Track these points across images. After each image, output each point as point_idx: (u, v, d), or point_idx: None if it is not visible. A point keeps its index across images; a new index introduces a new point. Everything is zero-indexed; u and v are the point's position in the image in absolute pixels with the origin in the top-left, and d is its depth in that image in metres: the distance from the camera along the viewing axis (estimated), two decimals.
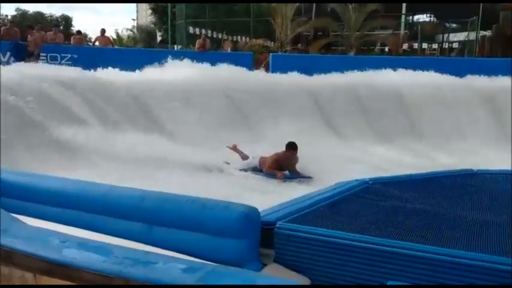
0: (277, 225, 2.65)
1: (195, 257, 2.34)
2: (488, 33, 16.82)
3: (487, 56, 15.09)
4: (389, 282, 2.15)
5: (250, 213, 2.56)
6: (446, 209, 3.28)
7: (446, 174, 4.42)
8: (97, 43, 15.58)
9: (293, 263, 2.59)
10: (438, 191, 3.77)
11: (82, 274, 1.81)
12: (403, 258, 2.36)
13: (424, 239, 2.54)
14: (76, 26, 36.81)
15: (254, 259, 2.56)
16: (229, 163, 7.44)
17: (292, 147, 6.77)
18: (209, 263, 2.08)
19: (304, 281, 2.49)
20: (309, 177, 6.75)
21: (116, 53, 15.21)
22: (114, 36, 32.69)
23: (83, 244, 2.12)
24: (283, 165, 6.88)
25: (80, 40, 15.19)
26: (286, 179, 6.72)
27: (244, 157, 7.37)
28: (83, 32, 17.30)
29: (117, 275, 1.77)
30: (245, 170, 7.06)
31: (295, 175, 6.85)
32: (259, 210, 2.71)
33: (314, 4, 20.48)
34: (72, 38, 15.47)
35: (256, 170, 7.04)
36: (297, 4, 20.43)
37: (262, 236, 2.62)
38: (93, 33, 29.84)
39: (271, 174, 6.76)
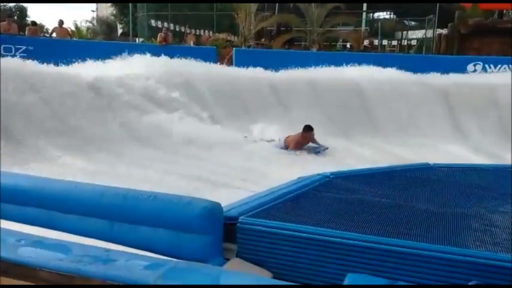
0: (239, 220, 2.66)
1: (158, 253, 2.32)
2: (444, 31, 17.38)
3: (443, 53, 15.59)
4: (348, 275, 2.21)
5: (213, 209, 2.56)
6: (404, 201, 3.39)
7: (404, 168, 4.55)
8: (54, 35, 15.08)
9: (255, 257, 2.61)
10: (396, 184, 3.88)
11: (38, 273, 1.76)
12: (362, 250, 2.42)
13: (383, 232, 2.61)
14: (32, 16, 35.45)
15: (217, 254, 2.56)
16: (246, 136, 8.92)
17: (309, 128, 8.49)
18: (171, 259, 2.07)
19: (266, 274, 2.52)
20: (327, 148, 8.49)
21: (75, 45, 14.75)
22: (73, 28, 31.70)
23: (39, 242, 2.06)
24: (304, 144, 8.56)
25: (35, 31, 14.65)
26: (310, 152, 8.43)
27: (270, 140, 8.78)
28: (38, 23, 16.68)
29: (76, 274, 1.73)
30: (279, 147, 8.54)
31: (316, 148, 8.53)
32: (224, 204, 2.72)
33: None
34: (27, 29, 14.90)
35: (283, 149, 8.52)
36: None
37: (225, 231, 2.63)
38: (50, 25, 28.85)
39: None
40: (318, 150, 8.47)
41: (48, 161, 6.55)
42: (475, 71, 12.87)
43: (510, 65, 12.75)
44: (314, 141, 8.62)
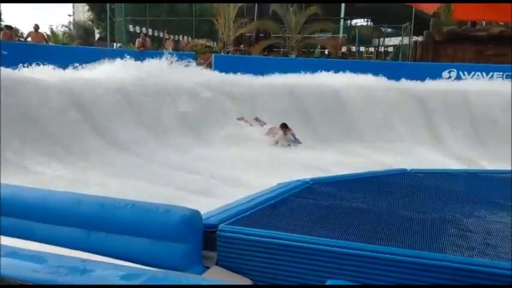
0: (219, 228, 2.65)
1: (136, 263, 2.29)
2: (420, 38, 17.73)
3: (419, 60, 15.89)
4: (328, 282, 2.21)
5: (192, 217, 2.54)
6: (383, 207, 3.43)
7: (382, 173, 4.60)
8: (29, 39, 14.80)
9: (235, 265, 2.60)
10: (375, 190, 3.92)
11: (13, 285, 1.71)
12: (342, 257, 2.43)
13: (362, 238, 2.63)
14: (6, 20, 34.73)
15: (196, 262, 2.54)
16: (242, 118, 10.10)
17: (284, 126, 9.71)
18: (150, 268, 2.05)
19: (246, 282, 2.51)
20: (300, 142, 9.73)
21: (50, 50, 14.49)
22: (49, 33, 31.21)
23: (13, 253, 2.00)
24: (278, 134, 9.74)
25: (10, 36, 14.34)
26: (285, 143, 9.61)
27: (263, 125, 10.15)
28: (13, 27, 16.36)
29: (52, 285, 1.69)
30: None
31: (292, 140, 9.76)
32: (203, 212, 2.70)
33: (256, 6, 20.66)
34: (1, 33, 14.59)
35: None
36: (240, 5, 20.54)
37: (205, 239, 2.61)
38: (25, 29, 28.34)
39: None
40: (290, 143, 9.64)
41: (24, 169, 6.41)
42: (449, 77, 13.15)
43: (483, 72, 13.07)
44: (289, 134, 9.72)
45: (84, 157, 7.28)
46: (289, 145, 9.64)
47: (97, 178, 6.33)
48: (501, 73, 12.80)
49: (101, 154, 7.52)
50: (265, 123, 10.14)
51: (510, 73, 12.63)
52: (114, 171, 6.83)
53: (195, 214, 2.58)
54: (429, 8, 2.82)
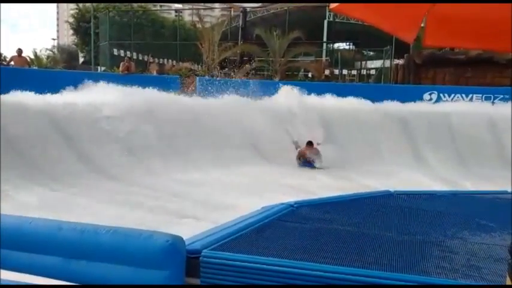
0: (202, 254, 2.61)
1: None
2: (401, 61, 18.09)
3: (400, 83, 16.18)
4: None
5: (175, 242, 2.49)
6: (368, 230, 3.42)
7: (366, 195, 4.62)
8: (12, 63, 14.69)
9: None
10: (359, 213, 3.92)
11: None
12: (326, 281, 2.41)
13: (346, 261, 2.62)
14: None
15: None
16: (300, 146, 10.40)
17: (309, 143, 10.15)
18: None
19: None
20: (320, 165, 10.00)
21: (34, 74, 14.39)
22: (32, 56, 31.08)
23: None
24: (302, 155, 10.18)
25: None
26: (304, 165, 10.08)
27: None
28: None
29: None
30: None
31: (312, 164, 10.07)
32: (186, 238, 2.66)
33: (240, 30, 20.93)
34: None
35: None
36: (224, 29, 20.80)
37: (188, 265, 2.56)
38: (8, 53, 28.17)
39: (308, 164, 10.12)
40: (313, 165, 9.98)
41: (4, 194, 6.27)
42: (430, 99, 13.39)
43: (463, 94, 13.34)
44: (314, 156, 10.04)
45: (66, 182, 7.16)
46: (311, 162, 10.00)
47: (78, 203, 6.22)
48: (480, 95, 13.08)
49: (82, 179, 7.41)
50: (299, 146, 10.51)
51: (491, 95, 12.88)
52: (95, 196, 6.72)
53: (178, 240, 2.53)
54: (409, 38, 2.88)
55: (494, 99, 12.74)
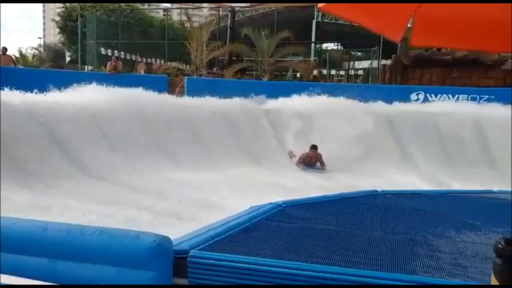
0: (190, 254, 2.59)
1: None
2: (388, 62, 18.20)
3: (388, 83, 16.27)
4: None
5: (162, 243, 2.47)
6: (354, 229, 3.44)
7: (353, 195, 4.64)
8: None
9: None
10: (347, 212, 3.94)
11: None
12: (314, 281, 2.41)
13: (334, 261, 2.63)
14: None
15: None
16: (295, 155, 10.23)
17: (313, 147, 9.93)
18: None
19: None
20: (324, 169, 9.90)
21: (19, 73, 14.20)
22: (17, 55, 30.71)
23: None
24: (306, 160, 9.97)
25: None
26: (308, 168, 9.88)
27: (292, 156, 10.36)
28: None
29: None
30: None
31: (314, 167, 9.98)
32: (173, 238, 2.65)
33: (228, 30, 20.90)
34: None
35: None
36: (212, 29, 20.75)
37: (175, 266, 2.55)
38: None
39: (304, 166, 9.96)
40: (317, 168, 9.94)
41: None
42: (417, 99, 13.48)
43: (450, 94, 13.47)
44: (320, 159, 10.03)
45: (53, 182, 7.08)
46: (315, 166, 9.97)
47: (64, 204, 6.15)
48: (466, 95, 13.21)
49: (69, 179, 7.33)
50: (294, 156, 10.35)
51: (477, 96, 13.02)
52: (81, 195, 6.66)
53: (165, 240, 2.52)
54: (396, 37, 2.91)
55: (480, 99, 12.89)
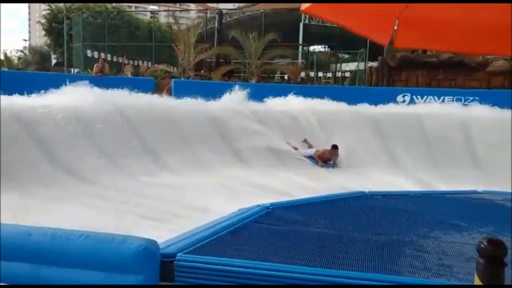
0: (177, 257, 2.58)
1: None
2: (375, 64, 18.33)
3: (374, 85, 16.39)
4: None
5: (149, 247, 2.46)
6: (341, 230, 3.45)
7: (340, 196, 4.67)
8: None
9: None
10: (334, 214, 3.96)
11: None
12: (301, 283, 2.42)
13: (321, 263, 2.63)
14: None
15: None
16: (297, 148, 10.48)
17: (334, 147, 10.12)
18: None
19: None
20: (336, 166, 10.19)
21: (3, 75, 14.01)
22: (2, 57, 30.35)
23: None
24: (325, 158, 10.25)
25: None
26: (324, 165, 10.10)
27: (309, 147, 10.64)
28: None
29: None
30: (305, 156, 10.33)
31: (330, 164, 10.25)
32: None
33: (216, 32, 20.88)
34: None
35: (310, 157, 10.31)
36: (200, 31, 20.71)
37: (162, 269, 2.53)
38: None
39: (316, 161, 10.19)
40: (331, 165, 10.21)
41: None
42: (404, 101, 13.59)
43: (435, 96, 13.61)
44: (336, 158, 10.24)
45: (36, 186, 6.98)
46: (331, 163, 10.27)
47: (49, 208, 6.06)
48: (451, 97, 13.37)
49: (54, 182, 7.23)
50: (311, 146, 10.67)
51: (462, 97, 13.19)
52: (66, 199, 6.57)
53: (152, 244, 2.50)
54: (384, 40, 2.91)
55: (465, 101, 13.05)
